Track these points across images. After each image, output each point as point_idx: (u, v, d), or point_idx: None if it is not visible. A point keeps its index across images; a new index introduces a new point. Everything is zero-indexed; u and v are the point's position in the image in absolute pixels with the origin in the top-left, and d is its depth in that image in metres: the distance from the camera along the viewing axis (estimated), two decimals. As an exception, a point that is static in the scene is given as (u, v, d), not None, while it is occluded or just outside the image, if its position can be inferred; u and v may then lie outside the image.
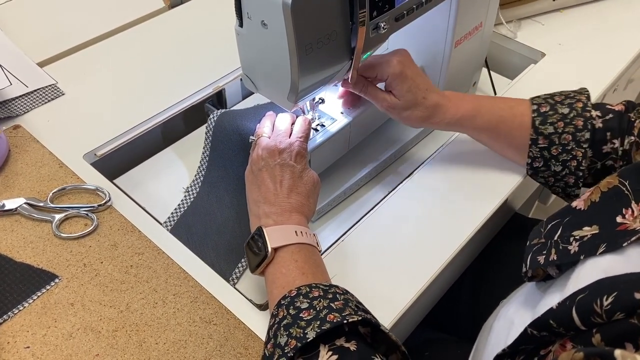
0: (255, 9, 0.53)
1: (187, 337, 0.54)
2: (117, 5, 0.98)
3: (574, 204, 0.54)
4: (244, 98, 0.88)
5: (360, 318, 0.45)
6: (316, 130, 0.70)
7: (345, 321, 0.45)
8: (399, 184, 0.71)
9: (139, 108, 0.79)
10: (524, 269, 0.55)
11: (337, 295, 0.48)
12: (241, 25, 0.56)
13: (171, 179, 0.76)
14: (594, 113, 0.64)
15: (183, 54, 0.89)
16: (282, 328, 0.46)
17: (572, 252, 0.49)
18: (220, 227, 0.67)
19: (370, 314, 0.49)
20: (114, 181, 0.73)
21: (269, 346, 0.47)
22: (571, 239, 0.50)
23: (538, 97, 0.68)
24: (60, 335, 0.54)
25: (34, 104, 0.78)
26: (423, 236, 0.65)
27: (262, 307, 0.58)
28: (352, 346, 0.44)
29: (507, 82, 0.93)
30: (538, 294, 0.55)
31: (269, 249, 0.54)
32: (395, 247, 0.64)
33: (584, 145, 0.63)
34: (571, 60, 0.90)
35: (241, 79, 0.63)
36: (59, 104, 0.79)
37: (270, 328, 0.49)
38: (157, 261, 0.60)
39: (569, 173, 0.64)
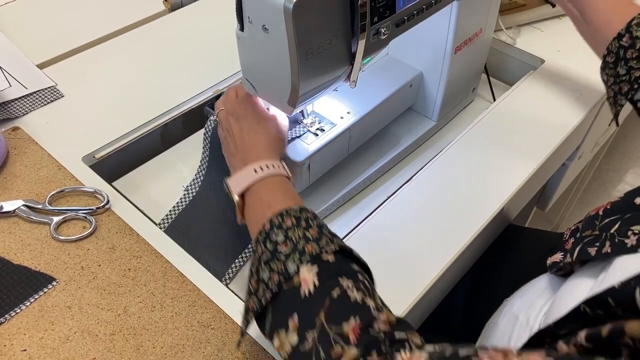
0: (257, 13, 0.53)
1: (185, 341, 0.54)
2: (118, 8, 0.98)
3: (637, 200, 0.54)
4: (243, 102, 0.88)
5: (336, 248, 0.47)
6: (316, 134, 0.70)
7: (324, 252, 0.46)
8: (396, 191, 0.71)
9: (139, 111, 0.79)
10: (568, 259, 0.54)
11: (310, 222, 0.49)
12: (242, 29, 0.56)
13: (170, 182, 0.75)
14: None
15: (183, 57, 0.89)
16: (262, 264, 0.47)
17: (629, 245, 0.49)
18: (216, 226, 0.67)
19: (339, 238, 0.50)
20: (113, 184, 0.73)
21: (252, 282, 0.48)
22: (629, 232, 0.50)
23: None
24: (57, 338, 0.54)
25: (33, 106, 0.78)
26: (419, 244, 0.65)
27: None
28: (330, 258, 0.46)
29: (506, 89, 0.93)
30: (547, 289, 0.55)
31: (235, 198, 0.55)
32: (390, 255, 0.64)
33: None
34: (570, 66, 0.90)
35: (241, 83, 0.63)
36: (58, 106, 0.79)
37: (252, 265, 0.49)
38: (155, 264, 0.60)
39: (627, 80, 0.65)
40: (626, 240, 0.49)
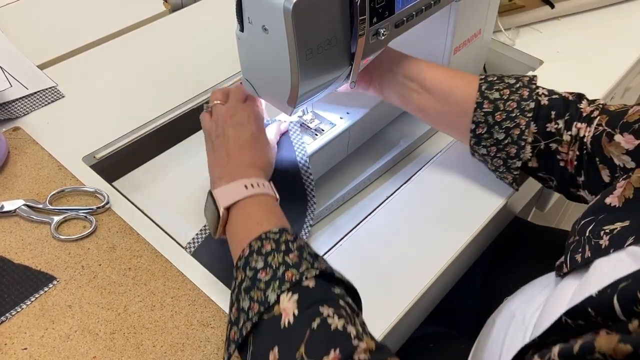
0: (257, 13, 0.53)
1: (185, 340, 0.54)
2: (118, 9, 0.98)
3: (607, 200, 0.54)
4: (243, 102, 0.89)
5: (317, 273, 0.46)
6: (315, 135, 0.70)
7: (304, 278, 0.45)
8: (403, 184, 0.71)
9: (139, 111, 0.79)
10: (564, 269, 0.54)
11: (290, 244, 0.48)
12: (242, 29, 0.56)
13: (170, 182, 0.76)
14: (541, 90, 0.63)
15: (183, 57, 0.89)
16: (242, 292, 0.47)
17: (603, 246, 0.49)
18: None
19: (321, 259, 0.49)
20: (113, 184, 0.73)
21: (233, 310, 0.47)
22: (602, 232, 0.50)
23: (487, 74, 0.68)
24: (58, 337, 0.54)
25: (33, 106, 0.78)
26: (425, 237, 0.65)
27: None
28: (310, 283, 0.45)
29: (505, 89, 0.93)
30: (547, 287, 0.55)
31: (221, 210, 0.54)
32: (397, 247, 0.64)
33: (528, 115, 0.61)
34: (569, 67, 0.90)
35: (241, 83, 0.63)
36: (59, 106, 0.79)
37: (232, 291, 0.49)
38: (155, 264, 0.60)
39: (511, 142, 0.63)
40: (600, 242, 0.50)
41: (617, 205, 0.52)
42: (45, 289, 0.57)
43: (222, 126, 0.61)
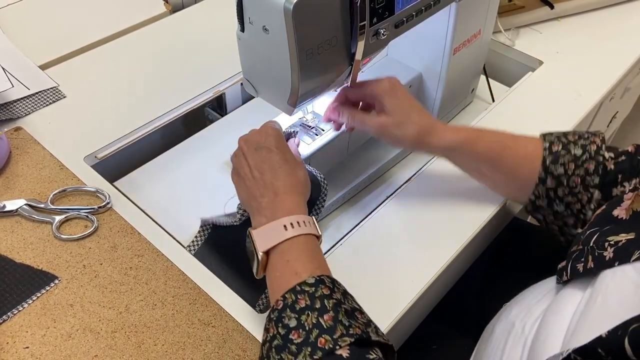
0: (257, 14, 0.53)
1: (186, 339, 0.54)
2: (119, 9, 0.98)
3: (614, 212, 0.53)
4: (244, 102, 0.89)
5: (352, 340, 0.43)
6: (315, 135, 0.71)
7: (337, 347, 0.43)
8: (404, 184, 0.72)
9: (140, 111, 0.80)
10: (565, 277, 0.54)
11: (325, 301, 0.46)
12: (243, 30, 0.56)
13: (171, 182, 0.76)
14: (607, 155, 0.61)
15: (184, 57, 0.90)
16: (273, 349, 0.45)
17: (607, 258, 0.48)
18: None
19: (362, 315, 0.47)
20: (114, 184, 0.73)
21: None
22: (606, 244, 0.49)
23: (550, 133, 0.64)
24: (60, 335, 0.54)
25: (35, 107, 0.78)
26: (425, 236, 0.66)
27: (262, 310, 0.59)
28: (344, 352, 0.43)
29: (505, 90, 0.94)
30: (546, 296, 0.55)
31: (259, 254, 0.51)
32: (398, 246, 0.64)
33: (592, 190, 0.60)
34: (568, 68, 0.91)
35: (242, 83, 0.63)
36: (60, 106, 0.79)
37: (263, 344, 0.47)
38: (157, 263, 0.61)
39: (570, 214, 0.62)
40: (604, 253, 0.49)
41: (624, 218, 0.52)
42: (47, 288, 0.58)
43: (245, 153, 0.57)
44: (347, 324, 0.45)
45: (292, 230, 0.51)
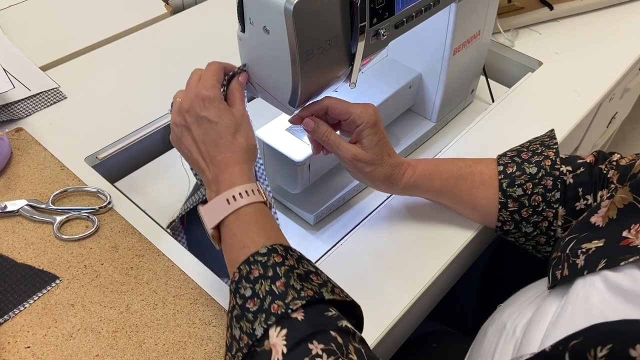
0: (258, 14, 0.54)
1: (187, 339, 0.55)
2: (120, 11, 0.99)
3: (592, 219, 0.53)
4: (244, 103, 0.89)
5: (303, 303, 0.44)
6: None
7: (289, 310, 0.44)
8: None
9: (141, 112, 0.80)
10: (548, 285, 0.54)
11: (277, 269, 0.46)
12: (243, 30, 0.57)
13: (171, 182, 0.76)
14: (564, 168, 0.61)
15: (184, 58, 0.90)
16: (234, 319, 0.46)
17: (578, 266, 0.49)
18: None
19: (318, 277, 0.47)
20: (115, 184, 0.74)
21: (227, 335, 0.47)
22: (579, 251, 0.50)
23: (504, 155, 0.65)
24: (61, 335, 0.54)
25: (36, 107, 0.78)
26: (425, 236, 0.66)
27: None
28: (299, 315, 0.44)
29: (504, 90, 0.94)
30: (538, 297, 0.56)
31: (209, 231, 0.52)
32: (397, 247, 0.65)
33: (555, 206, 0.60)
34: (568, 69, 0.91)
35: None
36: (61, 107, 0.80)
37: (227, 313, 0.48)
38: (157, 263, 0.61)
39: (540, 233, 0.62)
40: (577, 261, 0.49)
41: (600, 225, 0.52)
42: (48, 288, 0.58)
43: (181, 124, 0.56)
44: (298, 287, 0.45)
45: (234, 203, 0.51)
